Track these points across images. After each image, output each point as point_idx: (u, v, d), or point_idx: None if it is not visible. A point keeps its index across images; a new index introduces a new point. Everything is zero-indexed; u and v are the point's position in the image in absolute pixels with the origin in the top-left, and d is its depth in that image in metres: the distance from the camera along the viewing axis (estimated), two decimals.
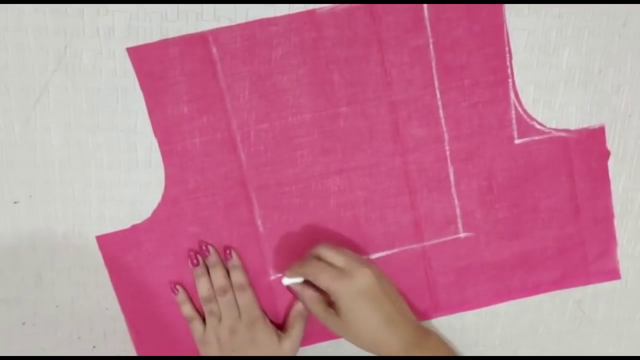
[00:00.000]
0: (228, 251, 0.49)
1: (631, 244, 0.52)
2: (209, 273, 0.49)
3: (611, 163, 0.50)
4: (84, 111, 0.47)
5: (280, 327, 0.51)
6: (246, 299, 0.48)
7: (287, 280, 0.46)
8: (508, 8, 0.47)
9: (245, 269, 0.49)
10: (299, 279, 0.46)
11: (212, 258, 0.49)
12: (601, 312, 0.53)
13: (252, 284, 0.50)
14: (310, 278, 0.45)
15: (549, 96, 0.49)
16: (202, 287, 0.49)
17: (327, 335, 0.51)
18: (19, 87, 0.46)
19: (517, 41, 0.47)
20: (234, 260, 0.49)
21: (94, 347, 0.51)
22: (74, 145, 0.47)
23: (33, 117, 0.47)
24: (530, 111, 0.49)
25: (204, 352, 0.49)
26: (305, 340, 0.51)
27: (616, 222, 0.51)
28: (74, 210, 0.48)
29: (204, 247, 0.49)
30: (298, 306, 0.50)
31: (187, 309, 0.49)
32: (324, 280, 0.44)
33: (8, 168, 0.48)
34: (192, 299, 0.50)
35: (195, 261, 0.49)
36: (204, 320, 0.49)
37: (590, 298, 0.52)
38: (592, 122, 0.49)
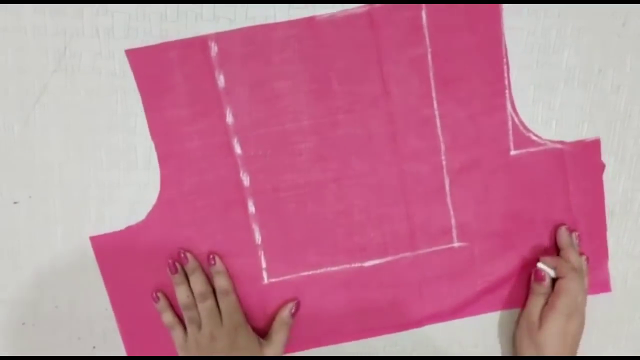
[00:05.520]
0: (211, 256, 0.48)
1: (631, 244, 0.52)
2: (189, 281, 0.49)
3: (611, 163, 0.50)
4: (83, 112, 0.47)
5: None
6: (229, 304, 0.48)
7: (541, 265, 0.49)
8: (506, 8, 0.47)
9: (229, 275, 0.49)
10: (551, 271, 0.48)
11: (191, 265, 0.48)
12: (601, 312, 0.53)
13: (246, 288, 0.49)
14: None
15: (549, 96, 0.49)
16: (181, 295, 0.48)
17: (313, 342, 0.51)
18: (19, 87, 0.46)
19: (516, 41, 0.47)
20: (218, 265, 0.48)
21: (94, 347, 0.51)
22: (73, 146, 0.47)
23: (33, 117, 0.47)
24: (529, 111, 0.49)
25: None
26: (290, 347, 0.50)
27: (616, 222, 0.51)
28: (73, 211, 0.48)
29: (182, 255, 0.48)
30: (283, 314, 0.49)
31: (167, 317, 0.49)
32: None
33: (8, 168, 0.48)
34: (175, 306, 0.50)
35: (173, 269, 0.48)
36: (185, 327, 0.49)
37: (590, 298, 0.52)
38: (592, 122, 0.49)
